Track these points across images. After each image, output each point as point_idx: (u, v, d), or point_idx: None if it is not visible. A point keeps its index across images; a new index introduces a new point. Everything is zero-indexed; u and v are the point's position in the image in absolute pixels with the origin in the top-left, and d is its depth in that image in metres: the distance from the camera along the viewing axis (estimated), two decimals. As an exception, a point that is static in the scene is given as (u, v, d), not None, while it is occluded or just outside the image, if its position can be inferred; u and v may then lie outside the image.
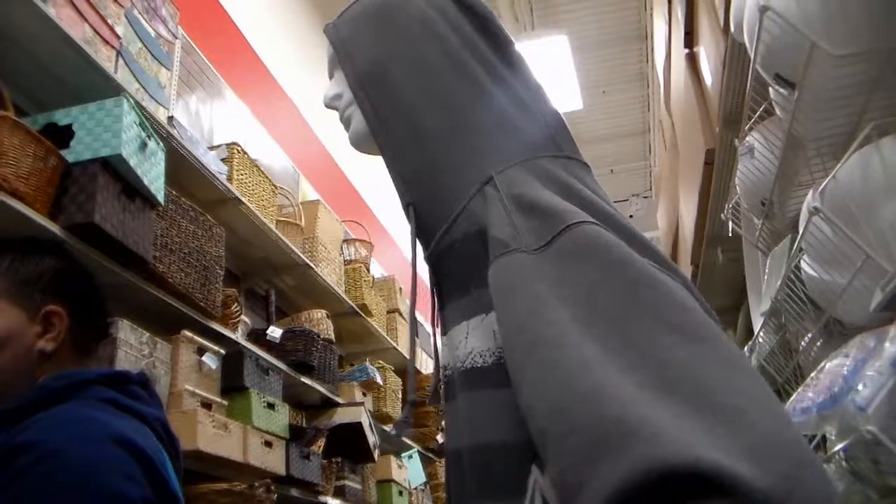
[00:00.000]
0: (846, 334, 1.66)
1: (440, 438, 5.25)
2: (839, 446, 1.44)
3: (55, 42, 2.15)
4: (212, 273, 2.79)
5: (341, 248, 4.60)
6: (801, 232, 1.64)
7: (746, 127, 2.04)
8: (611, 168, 9.84)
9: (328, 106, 1.21)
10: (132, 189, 2.23)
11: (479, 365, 0.92)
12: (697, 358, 0.69)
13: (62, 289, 1.47)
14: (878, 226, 1.41)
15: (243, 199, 3.19)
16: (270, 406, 3.07)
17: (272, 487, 2.76)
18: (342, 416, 3.83)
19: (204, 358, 2.67)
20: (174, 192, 2.62)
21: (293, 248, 3.67)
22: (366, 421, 3.83)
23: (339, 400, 3.95)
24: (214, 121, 3.92)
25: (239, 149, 3.34)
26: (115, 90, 2.28)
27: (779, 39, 1.57)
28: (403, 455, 4.91)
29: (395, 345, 5.00)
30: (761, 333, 2.35)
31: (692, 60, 3.11)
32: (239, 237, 3.40)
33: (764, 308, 2.21)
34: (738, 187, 2.21)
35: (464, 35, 1.08)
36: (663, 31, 4.15)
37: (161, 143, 2.41)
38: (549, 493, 0.78)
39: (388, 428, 4.58)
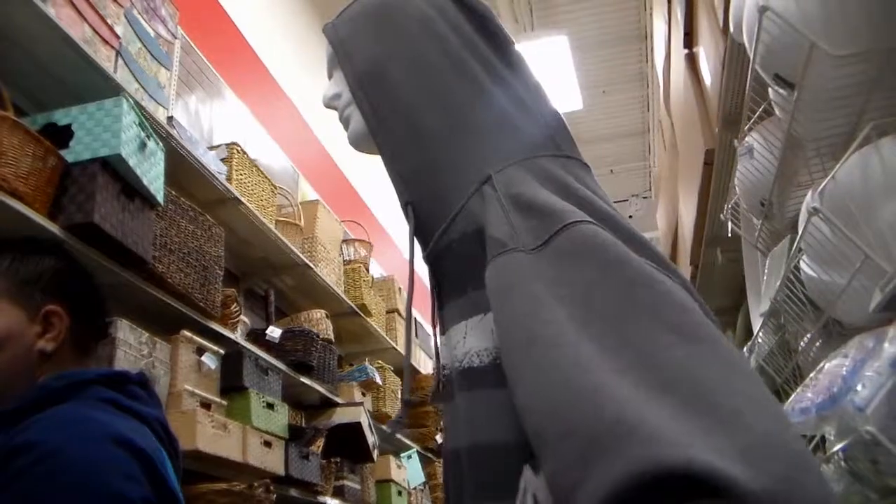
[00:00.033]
0: (845, 335, 1.66)
1: (439, 438, 5.25)
2: (838, 447, 1.44)
3: (55, 42, 2.15)
4: (211, 273, 2.79)
5: (340, 248, 4.60)
6: (800, 232, 1.64)
7: (746, 127, 2.04)
8: (610, 168, 9.85)
9: (327, 105, 1.21)
10: (131, 189, 2.23)
11: (476, 365, 0.92)
12: (695, 358, 0.69)
13: (62, 289, 1.47)
14: (877, 226, 1.41)
15: (243, 199, 3.19)
16: (270, 406, 3.07)
17: (271, 487, 2.76)
18: (341, 416, 3.83)
19: (203, 358, 2.67)
20: (173, 192, 2.62)
21: (292, 248, 3.67)
22: (365, 421, 3.83)
23: (339, 400, 3.95)
24: (214, 121, 3.92)
25: (238, 149, 3.34)
26: (114, 90, 2.28)
27: (778, 40, 1.57)
28: (403, 455, 4.91)
29: (394, 345, 5.00)
30: (760, 334, 2.35)
31: (692, 61, 3.11)
32: (238, 237, 3.40)
33: (763, 308, 2.21)
34: (737, 187, 2.21)
35: (463, 34, 1.08)
36: (663, 32, 4.16)
37: (160, 143, 2.41)
38: (540, 493, 0.78)
39: (387, 428, 4.58)
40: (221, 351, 2.81)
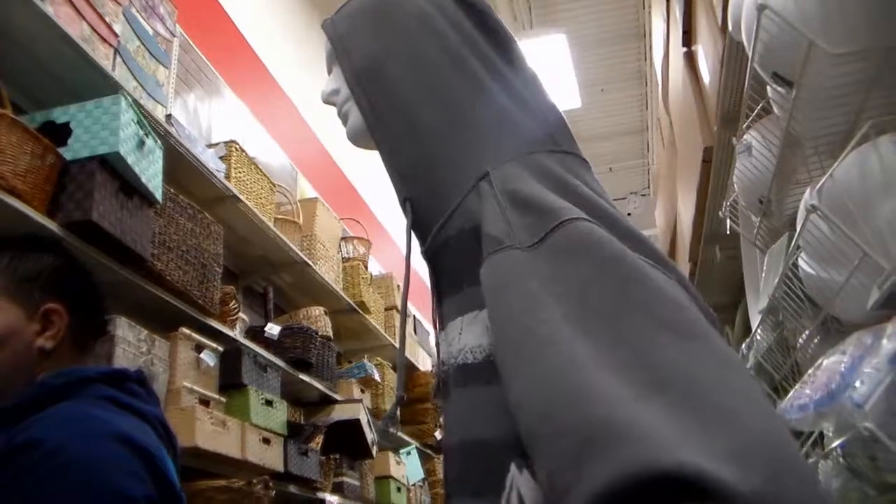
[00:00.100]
0: (844, 332, 1.66)
1: (438, 435, 5.26)
2: (836, 443, 1.44)
3: (53, 40, 2.15)
4: (210, 270, 2.79)
5: (339, 245, 4.61)
6: (798, 230, 1.64)
7: (744, 125, 2.04)
8: (609, 166, 9.86)
9: (326, 101, 1.21)
10: (130, 187, 2.23)
11: (470, 361, 0.92)
12: (689, 356, 0.68)
13: (61, 286, 1.47)
14: (875, 224, 1.41)
15: (241, 196, 3.19)
16: (268, 403, 3.08)
17: (270, 484, 2.76)
18: (340, 412, 3.83)
19: (202, 355, 2.67)
20: (172, 190, 2.62)
21: (291, 245, 3.67)
22: (364, 418, 3.84)
23: (338, 397, 3.95)
24: (212, 119, 3.92)
25: (237, 147, 3.34)
26: (112, 88, 2.28)
27: (776, 38, 1.57)
28: (402, 451, 4.92)
29: (392, 342, 5.00)
30: (759, 331, 2.36)
31: (690, 59, 3.11)
32: (237, 235, 3.40)
33: (762, 305, 2.21)
34: (735, 185, 2.21)
35: (462, 31, 1.08)
36: (661, 30, 4.16)
37: (159, 141, 2.41)
38: (525, 491, 0.78)
39: (380, 424, 4.58)
40: (220, 348, 2.81)
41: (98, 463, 1.20)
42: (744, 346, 2.55)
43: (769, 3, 1.53)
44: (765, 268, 2.24)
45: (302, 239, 4.00)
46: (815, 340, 1.91)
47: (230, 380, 2.92)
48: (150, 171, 2.30)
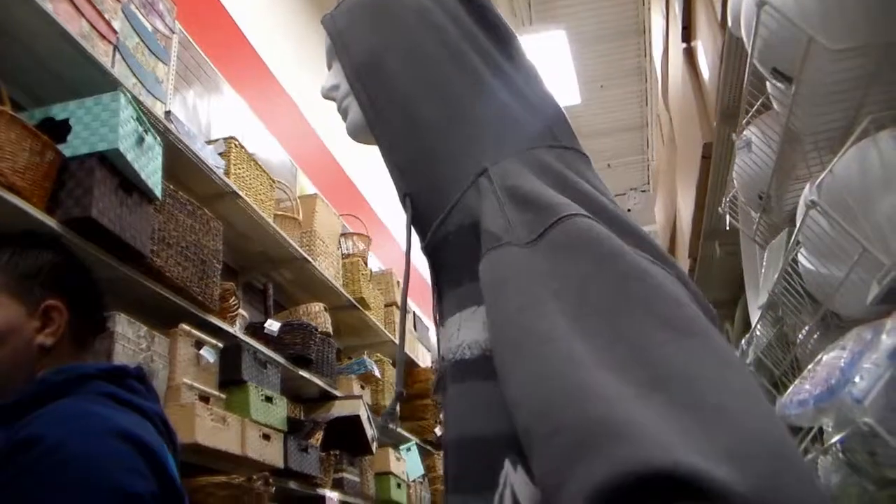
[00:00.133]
0: (843, 327, 1.67)
1: (438, 431, 5.26)
2: (836, 438, 1.44)
3: (52, 37, 2.15)
4: (209, 267, 2.79)
5: (339, 241, 4.61)
6: (798, 225, 1.64)
7: (744, 121, 2.04)
8: (608, 162, 9.86)
9: (325, 97, 1.20)
10: (129, 183, 2.23)
11: (467, 357, 0.91)
12: (687, 354, 0.68)
13: (61, 283, 1.47)
14: (875, 219, 1.41)
15: (241, 193, 3.19)
16: (268, 399, 3.08)
17: (270, 480, 2.77)
18: (340, 409, 3.83)
19: (202, 351, 2.67)
20: (171, 187, 2.62)
21: (291, 241, 3.67)
22: (364, 414, 3.84)
23: (337, 393, 3.95)
24: (212, 115, 3.92)
25: (236, 143, 3.34)
26: (112, 85, 2.28)
27: (776, 34, 1.57)
28: (402, 447, 4.92)
29: (392, 338, 5.00)
30: (759, 326, 2.36)
31: (689, 55, 3.10)
32: (237, 231, 3.40)
33: (761, 301, 2.22)
34: (735, 181, 2.21)
35: (462, 25, 1.07)
36: (661, 26, 4.15)
37: (158, 138, 2.41)
38: (519, 488, 0.78)
39: (379, 420, 4.59)
40: (220, 344, 2.81)
41: (99, 459, 1.20)
42: (743, 341, 2.56)
43: (769, -2, 1.53)
44: (764, 263, 2.24)
45: (301, 235, 4.00)
46: (815, 336, 1.91)
47: (230, 376, 2.92)
48: (150, 168, 2.30)
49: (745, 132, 2.05)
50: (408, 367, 5.18)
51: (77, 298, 1.49)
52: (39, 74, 2.29)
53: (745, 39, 1.76)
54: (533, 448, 0.68)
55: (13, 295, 1.40)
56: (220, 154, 3.19)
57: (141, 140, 2.25)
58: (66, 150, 2.10)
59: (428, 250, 1.04)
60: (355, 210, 5.35)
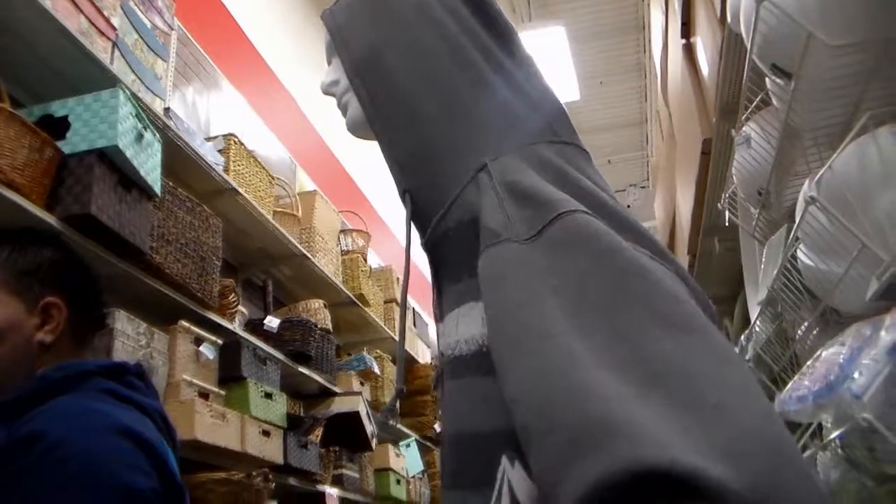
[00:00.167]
0: (842, 323, 1.67)
1: (438, 427, 5.27)
2: (835, 434, 1.44)
3: (51, 33, 2.15)
4: (209, 263, 2.79)
5: (338, 238, 4.61)
6: (797, 221, 1.64)
7: (743, 117, 2.03)
8: (608, 158, 9.86)
9: (325, 92, 1.20)
10: (129, 180, 2.23)
11: (465, 352, 0.91)
12: (685, 351, 0.68)
13: (60, 280, 1.47)
14: (874, 215, 1.41)
15: (240, 189, 3.19)
16: (268, 395, 3.08)
17: (270, 476, 2.77)
18: (340, 405, 3.84)
19: (201, 348, 2.67)
20: (171, 184, 2.62)
21: (290, 238, 3.67)
22: (363, 410, 3.85)
23: (337, 389, 3.96)
24: (211, 112, 3.92)
25: (236, 140, 3.34)
26: (111, 81, 2.28)
27: (775, 30, 1.56)
28: (401, 444, 4.93)
29: (392, 334, 5.01)
30: (758, 322, 2.36)
31: (689, 51, 3.10)
32: (236, 228, 3.41)
33: (761, 297, 2.22)
34: (734, 177, 2.20)
35: (461, 20, 1.07)
36: (660, 22, 4.15)
37: (157, 135, 2.41)
38: (517, 485, 0.78)
39: (379, 416, 4.59)
40: (219, 341, 2.82)
41: (100, 456, 1.21)
42: (743, 337, 2.56)
43: (768, -6, 1.52)
44: (764, 259, 2.24)
45: (301, 232, 4.00)
46: (814, 332, 1.91)
47: (229, 373, 2.92)
48: (149, 165, 2.30)
49: (744, 128, 2.05)
50: (407, 363, 5.18)
51: (76, 295, 1.49)
52: (38, 71, 2.29)
53: (744, 35, 1.76)
54: (531, 445, 0.68)
55: (13, 292, 1.40)
56: (219, 151, 3.19)
57: (140, 137, 2.25)
58: (66, 146, 2.10)
59: (427, 246, 1.04)
60: (355, 207, 5.35)
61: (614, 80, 8.72)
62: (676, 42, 3.25)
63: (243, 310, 3.32)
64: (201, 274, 2.72)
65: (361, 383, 4.25)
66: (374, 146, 1.10)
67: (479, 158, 0.96)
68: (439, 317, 1.03)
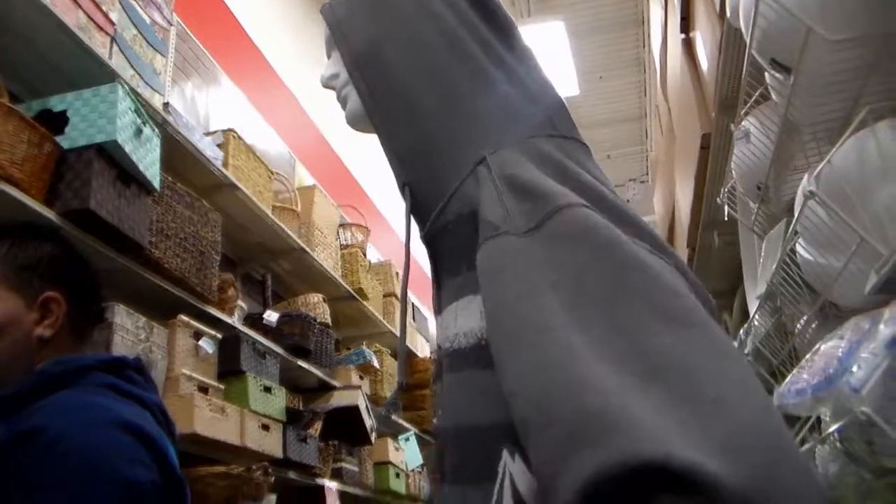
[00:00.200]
0: (841, 317, 1.67)
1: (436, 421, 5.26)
2: (833, 427, 1.45)
3: (49, 29, 2.14)
4: (208, 258, 2.79)
5: (337, 232, 4.61)
6: (796, 216, 1.64)
7: (742, 111, 2.03)
8: (608, 153, 9.85)
9: (325, 86, 1.20)
10: (128, 175, 2.23)
11: (464, 345, 0.91)
12: (683, 345, 0.68)
13: (59, 275, 1.47)
14: (873, 209, 1.41)
15: (239, 184, 3.19)
16: (267, 390, 3.08)
17: (269, 470, 2.77)
18: (339, 399, 3.84)
19: (200, 342, 2.67)
20: (170, 178, 2.62)
21: (289, 233, 3.67)
22: (362, 404, 3.85)
23: (336, 383, 3.96)
24: (210, 107, 3.92)
25: (235, 135, 3.33)
26: (109, 76, 2.28)
27: (775, 24, 1.56)
28: (400, 437, 4.93)
29: (391, 328, 5.01)
30: (757, 316, 2.36)
31: (688, 45, 3.10)
32: (235, 222, 3.40)
33: (760, 291, 2.22)
34: (733, 171, 2.21)
35: (460, 13, 1.07)
36: (659, 17, 4.15)
37: (156, 130, 2.41)
38: (518, 478, 0.78)
39: (381, 411, 4.59)
40: (219, 335, 2.82)
41: (101, 450, 1.21)
42: (742, 331, 2.56)
43: (767, -12, 1.52)
44: (763, 254, 2.24)
45: (300, 226, 3.99)
46: (813, 326, 1.92)
47: (229, 367, 2.92)
48: (148, 160, 2.30)
49: (743, 123, 2.05)
50: (407, 357, 5.18)
51: (75, 290, 1.49)
52: (37, 66, 2.29)
53: (743, 30, 1.76)
54: (529, 438, 0.68)
55: (12, 287, 1.40)
56: (218, 146, 3.19)
57: (139, 132, 2.25)
58: (64, 141, 2.09)
59: (427, 239, 1.04)
60: (354, 201, 5.34)
61: (613, 74, 8.71)
62: (676, 37, 3.25)
63: (242, 304, 3.32)
64: (200, 268, 2.72)
65: (361, 377, 4.25)
66: (372, 141, 1.10)
67: (479, 152, 0.95)
68: (438, 310, 1.03)
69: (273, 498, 3.01)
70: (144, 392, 1.43)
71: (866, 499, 1.52)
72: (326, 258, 4.15)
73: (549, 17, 6.88)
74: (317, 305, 3.93)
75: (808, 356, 1.66)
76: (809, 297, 1.84)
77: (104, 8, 2.39)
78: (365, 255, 4.83)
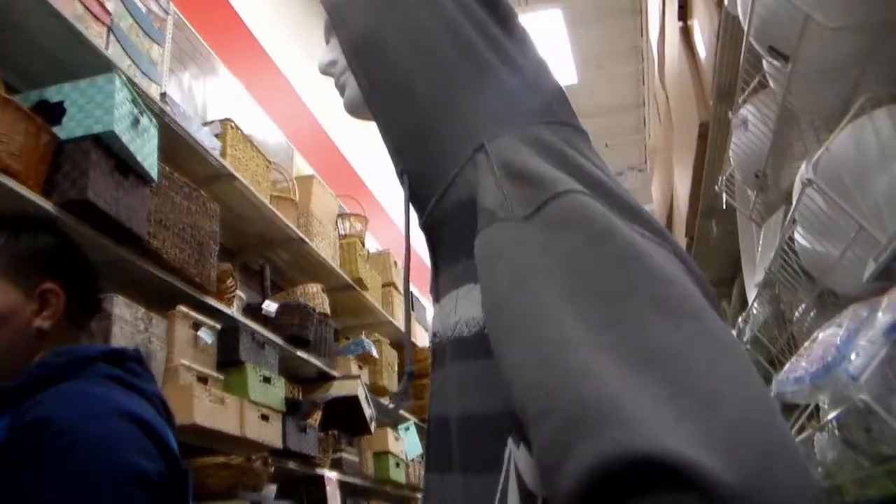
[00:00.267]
0: (840, 305, 1.67)
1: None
2: (832, 415, 1.45)
3: (45, 19, 2.14)
4: (206, 248, 2.79)
5: (336, 222, 4.61)
6: (794, 204, 1.64)
7: (740, 99, 2.03)
8: (606, 142, 9.83)
9: (323, 72, 1.20)
10: (125, 165, 2.22)
11: (465, 334, 0.91)
12: (679, 335, 0.68)
13: (57, 266, 1.47)
14: (871, 197, 1.41)
15: (237, 174, 3.19)
16: (266, 380, 3.09)
17: (269, 460, 2.78)
18: (338, 389, 3.85)
19: (200, 333, 2.68)
20: (168, 169, 2.62)
21: (288, 223, 3.67)
22: (362, 394, 3.85)
23: (335, 373, 3.97)
24: (207, 97, 3.91)
25: (232, 124, 3.33)
26: (106, 67, 2.28)
27: (772, 12, 1.56)
28: (400, 427, 4.94)
29: (390, 318, 5.02)
30: (755, 304, 2.36)
31: (686, 34, 3.09)
32: (233, 213, 3.40)
33: (758, 279, 2.22)
34: (731, 160, 2.20)
35: (460, 0, 1.07)
36: (657, 5, 4.14)
37: (154, 120, 2.40)
38: (523, 466, 0.78)
39: (384, 401, 4.60)
40: (218, 326, 2.82)
41: (107, 441, 1.21)
42: (740, 319, 2.56)
43: (765, -24, 1.52)
44: (761, 242, 2.24)
45: (298, 216, 3.99)
46: (812, 314, 1.92)
47: (228, 357, 2.93)
48: (146, 150, 2.30)
49: (741, 111, 2.05)
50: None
51: (74, 281, 1.48)
52: (33, 57, 2.28)
53: (741, 18, 1.75)
54: (529, 426, 0.68)
55: (10, 279, 1.40)
56: (216, 136, 3.19)
57: (136, 122, 2.24)
58: (62, 132, 2.09)
59: (425, 227, 1.04)
60: (352, 191, 5.34)
61: (612, 63, 8.69)
62: (674, 25, 3.24)
63: (241, 294, 3.33)
64: (199, 259, 2.72)
65: (360, 367, 4.26)
66: (370, 131, 1.10)
67: (477, 138, 0.95)
68: (436, 298, 1.03)
69: (273, 488, 3.01)
70: (145, 383, 1.43)
71: (864, 486, 1.53)
72: (325, 248, 4.15)
73: (546, 5, 6.87)
74: (316, 295, 3.93)
75: (806, 344, 1.67)
76: (808, 285, 1.84)
77: (100, -2, 2.39)
78: (363, 244, 4.83)
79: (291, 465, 3.29)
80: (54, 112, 2.11)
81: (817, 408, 1.62)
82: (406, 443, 4.89)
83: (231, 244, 3.71)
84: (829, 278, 1.66)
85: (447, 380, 0.95)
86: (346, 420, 3.85)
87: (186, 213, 2.68)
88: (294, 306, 3.59)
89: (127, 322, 2.29)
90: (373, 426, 3.98)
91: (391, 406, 4.29)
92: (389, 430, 4.63)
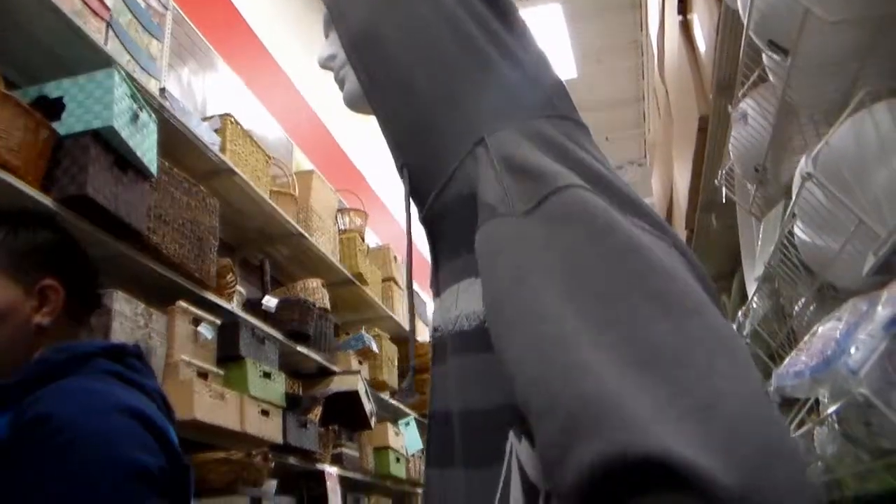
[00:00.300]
0: (839, 298, 1.67)
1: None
2: (832, 409, 1.45)
3: (44, 14, 2.14)
4: (206, 244, 2.79)
5: (336, 217, 4.61)
6: (794, 197, 1.64)
7: (740, 93, 2.03)
8: (605, 136, 9.82)
9: (323, 66, 1.19)
10: (125, 161, 2.22)
11: (466, 328, 0.91)
12: (679, 332, 0.68)
13: (56, 262, 1.47)
14: (870, 191, 1.41)
15: (237, 169, 3.19)
16: (267, 375, 3.09)
17: (269, 455, 2.78)
18: (339, 384, 3.85)
19: (199, 328, 2.68)
20: (167, 164, 2.62)
21: (287, 218, 3.67)
22: (362, 389, 3.85)
23: (336, 368, 3.97)
24: (207, 92, 3.90)
25: (232, 120, 3.33)
26: (105, 62, 2.27)
27: (772, 6, 1.56)
28: (400, 422, 4.95)
29: (390, 313, 5.02)
30: (755, 298, 2.36)
31: (685, 27, 3.09)
32: (233, 208, 3.40)
33: (758, 273, 2.22)
34: (731, 153, 2.20)
35: None
36: (657, -2, 4.13)
37: (153, 115, 2.40)
38: (525, 460, 0.78)
39: (384, 396, 4.60)
40: (218, 321, 2.82)
41: (108, 436, 1.21)
42: (740, 313, 2.56)
43: (764, -31, 1.52)
44: (761, 236, 2.24)
45: (298, 211, 3.99)
46: (811, 307, 1.92)
47: (228, 352, 2.93)
48: (145, 145, 2.30)
49: (741, 105, 2.04)
50: (405, 341, 5.19)
51: (73, 277, 1.48)
52: (32, 52, 2.28)
53: (741, 11, 1.75)
54: (531, 422, 0.68)
55: (9, 275, 1.40)
56: (215, 131, 3.18)
57: (135, 117, 2.24)
58: (61, 127, 2.09)
59: (426, 221, 1.04)
60: (352, 186, 5.34)
61: (611, 57, 8.68)
62: (673, 19, 3.24)
63: (241, 290, 3.33)
64: (199, 254, 2.72)
65: (360, 362, 4.26)
66: (370, 126, 1.10)
67: (477, 132, 0.95)
68: (437, 292, 1.03)
69: (273, 483, 3.01)
70: (145, 379, 1.43)
71: (864, 480, 1.53)
72: (325, 243, 4.15)
73: (546, -1, 6.87)
74: (315, 290, 3.94)
75: (806, 338, 1.67)
76: (807, 279, 1.84)
77: (99, -7, 2.39)
78: (363, 239, 4.83)
79: (292, 460, 3.29)
80: (53, 107, 2.11)
81: (817, 402, 1.62)
82: (406, 438, 4.89)
83: (231, 239, 3.71)
84: (828, 272, 1.66)
85: (448, 374, 0.95)
86: (346, 415, 3.85)
87: (186, 209, 2.68)
88: (294, 301, 3.59)
89: (127, 318, 2.29)
90: (373, 421, 3.98)
91: (402, 398, 4.28)
92: (390, 426, 4.63)
